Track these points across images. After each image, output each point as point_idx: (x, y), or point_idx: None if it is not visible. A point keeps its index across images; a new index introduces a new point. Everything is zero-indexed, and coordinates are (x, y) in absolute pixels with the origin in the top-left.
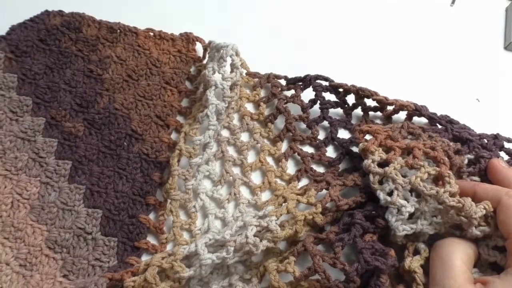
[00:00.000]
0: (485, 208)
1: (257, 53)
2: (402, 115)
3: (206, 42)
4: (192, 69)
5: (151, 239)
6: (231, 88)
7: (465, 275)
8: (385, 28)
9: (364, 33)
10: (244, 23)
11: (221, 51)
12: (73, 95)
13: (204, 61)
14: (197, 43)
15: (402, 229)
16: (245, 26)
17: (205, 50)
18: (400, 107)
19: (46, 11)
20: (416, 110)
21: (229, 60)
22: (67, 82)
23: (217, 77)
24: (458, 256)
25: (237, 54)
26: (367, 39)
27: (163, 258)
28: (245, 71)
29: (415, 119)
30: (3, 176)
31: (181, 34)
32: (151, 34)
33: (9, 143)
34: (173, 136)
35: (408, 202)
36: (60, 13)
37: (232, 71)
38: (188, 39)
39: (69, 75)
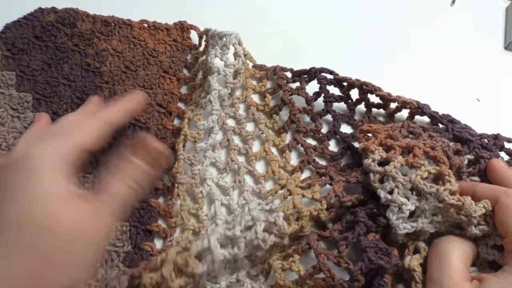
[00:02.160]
0: (484, 207)
1: (264, 47)
2: (404, 113)
3: (201, 29)
4: (189, 57)
5: (160, 223)
6: (234, 76)
7: (461, 273)
8: (385, 28)
9: (364, 33)
10: (251, 17)
11: (224, 39)
12: (73, 89)
13: (200, 49)
14: (192, 31)
15: (403, 227)
16: (253, 20)
17: (200, 37)
18: (402, 104)
19: (40, 8)
20: (419, 108)
21: (232, 48)
22: (65, 77)
23: (219, 63)
24: (455, 254)
25: (240, 43)
26: (367, 39)
27: (177, 254)
28: (251, 64)
29: (417, 117)
30: None
31: (175, 23)
32: (145, 25)
33: (13, 139)
34: (176, 122)
35: (408, 200)
36: (53, 9)
37: (235, 59)
38: (183, 27)
39: (67, 69)
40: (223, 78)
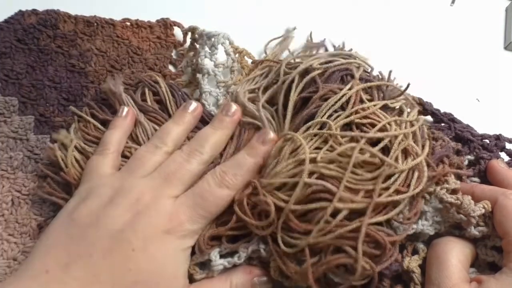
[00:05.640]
0: (484, 207)
1: (263, 46)
2: None
3: (186, 27)
4: (173, 53)
5: None
6: (229, 74)
7: (460, 274)
8: (384, 28)
9: (364, 33)
10: (252, 15)
11: (213, 39)
12: (59, 90)
13: (185, 45)
14: (175, 28)
15: (403, 229)
16: (253, 19)
17: (185, 34)
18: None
19: (20, 11)
20: (420, 105)
21: (221, 48)
22: (50, 79)
23: (209, 64)
24: (454, 254)
25: (230, 42)
26: (367, 39)
27: None
28: (250, 60)
29: None
30: (0, 176)
31: (157, 21)
32: (128, 23)
33: (1, 144)
34: None
35: None
36: (34, 11)
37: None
38: (166, 24)
39: (51, 71)
40: (214, 79)
